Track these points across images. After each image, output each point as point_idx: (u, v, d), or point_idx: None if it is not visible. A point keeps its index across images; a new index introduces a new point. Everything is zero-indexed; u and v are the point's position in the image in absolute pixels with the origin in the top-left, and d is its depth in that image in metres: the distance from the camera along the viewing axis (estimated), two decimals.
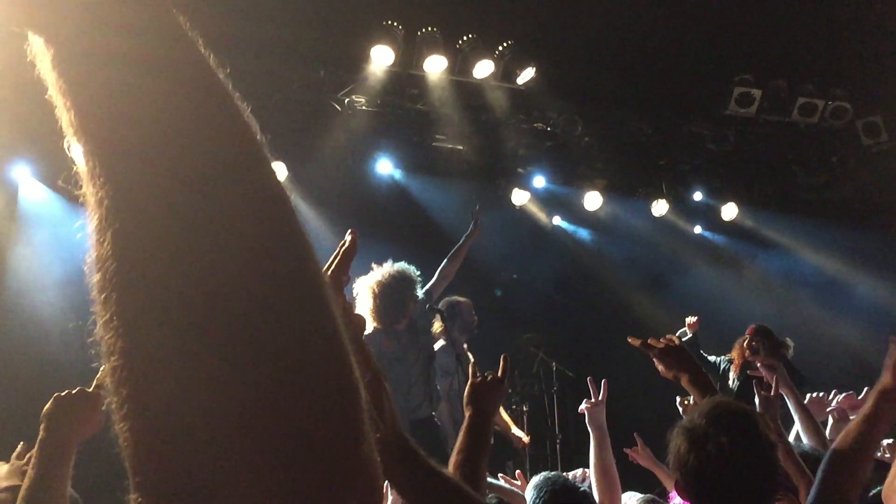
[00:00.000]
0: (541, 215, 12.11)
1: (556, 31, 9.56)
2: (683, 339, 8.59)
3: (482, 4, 9.12)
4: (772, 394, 4.26)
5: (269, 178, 0.76)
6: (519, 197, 11.28)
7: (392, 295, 7.35)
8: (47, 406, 2.87)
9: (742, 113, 10.95)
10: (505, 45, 9.60)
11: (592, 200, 11.60)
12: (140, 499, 0.61)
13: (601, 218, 12.22)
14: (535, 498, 3.69)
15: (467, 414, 3.10)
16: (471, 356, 7.93)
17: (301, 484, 0.61)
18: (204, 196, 0.66)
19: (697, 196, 12.27)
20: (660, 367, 3.84)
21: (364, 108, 10.05)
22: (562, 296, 11.83)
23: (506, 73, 9.79)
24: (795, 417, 4.80)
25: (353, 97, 9.91)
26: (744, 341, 8.85)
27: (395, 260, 7.69)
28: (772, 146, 11.92)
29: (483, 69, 9.64)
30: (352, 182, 10.57)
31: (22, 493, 2.74)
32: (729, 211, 12.25)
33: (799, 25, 9.73)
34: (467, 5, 9.13)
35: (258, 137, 0.78)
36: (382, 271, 7.43)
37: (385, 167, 10.63)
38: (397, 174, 10.87)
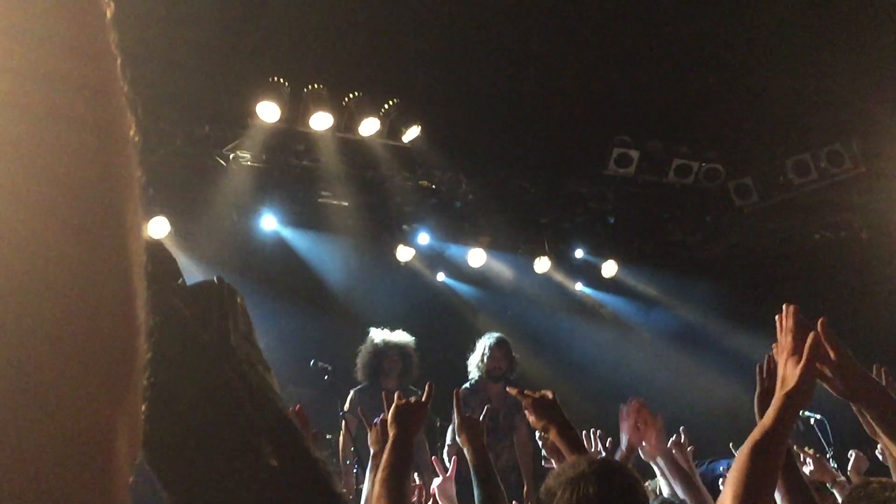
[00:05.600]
0: (425, 272, 12.17)
1: (442, 91, 9.71)
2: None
3: (369, 63, 9.21)
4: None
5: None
6: (403, 254, 11.30)
7: None
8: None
9: (621, 173, 11.22)
10: (391, 103, 9.69)
11: (476, 257, 11.71)
12: None
13: (485, 274, 12.34)
14: None
15: (392, 433, 3.66)
16: None
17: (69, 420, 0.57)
18: None
19: (579, 253, 12.49)
20: (531, 418, 4.01)
21: (249, 163, 9.99)
22: (445, 352, 11.88)
23: (391, 130, 9.87)
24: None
25: (238, 153, 9.84)
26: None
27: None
28: (649, 205, 12.25)
29: (369, 127, 9.68)
30: (236, 238, 10.47)
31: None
32: (609, 268, 12.49)
33: (675, 90, 10.10)
34: (354, 63, 9.21)
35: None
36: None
37: (270, 223, 10.55)
38: (282, 230, 10.81)
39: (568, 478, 2.84)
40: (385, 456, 3.52)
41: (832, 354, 2.93)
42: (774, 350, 3.06)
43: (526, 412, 4.03)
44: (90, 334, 0.60)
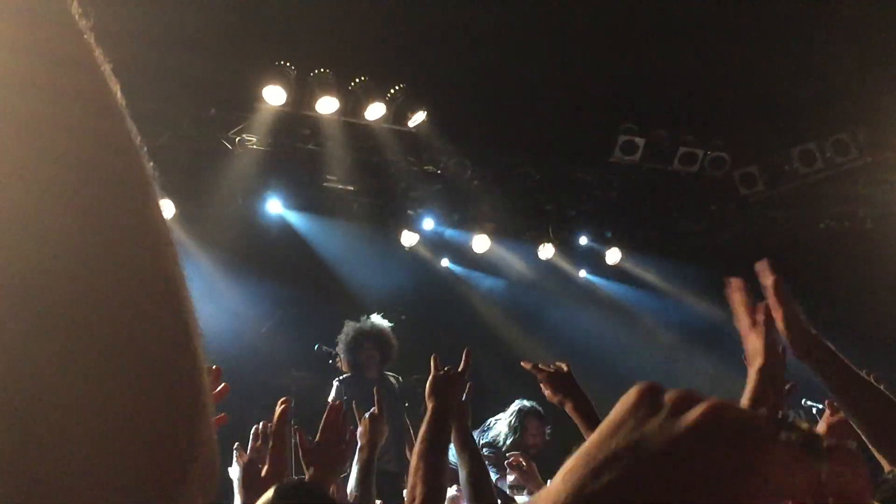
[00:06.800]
0: (430, 257, 12.17)
1: (448, 77, 9.69)
2: None
3: (375, 48, 9.19)
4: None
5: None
6: (408, 238, 11.32)
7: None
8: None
9: (626, 160, 11.19)
10: (396, 88, 9.68)
11: (481, 243, 11.71)
12: None
13: (489, 260, 12.34)
14: None
15: (430, 405, 3.51)
16: None
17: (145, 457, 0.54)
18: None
19: (583, 240, 12.48)
20: (546, 392, 3.93)
21: (255, 147, 9.99)
22: (450, 337, 11.90)
23: (397, 115, 9.86)
24: None
25: (245, 136, 9.85)
26: None
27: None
28: (654, 193, 12.22)
29: (374, 111, 9.68)
30: (242, 221, 10.48)
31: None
32: (613, 255, 12.49)
33: (681, 78, 10.07)
34: (360, 48, 9.20)
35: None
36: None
37: (275, 207, 10.56)
38: (287, 214, 10.82)
39: None
40: (423, 429, 3.44)
41: (779, 313, 2.78)
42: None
43: (542, 386, 3.94)
44: (159, 366, 0.56)
